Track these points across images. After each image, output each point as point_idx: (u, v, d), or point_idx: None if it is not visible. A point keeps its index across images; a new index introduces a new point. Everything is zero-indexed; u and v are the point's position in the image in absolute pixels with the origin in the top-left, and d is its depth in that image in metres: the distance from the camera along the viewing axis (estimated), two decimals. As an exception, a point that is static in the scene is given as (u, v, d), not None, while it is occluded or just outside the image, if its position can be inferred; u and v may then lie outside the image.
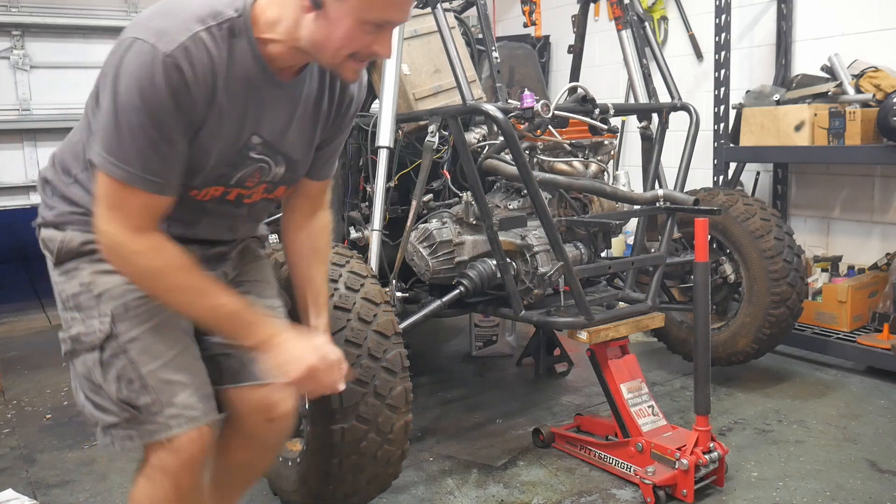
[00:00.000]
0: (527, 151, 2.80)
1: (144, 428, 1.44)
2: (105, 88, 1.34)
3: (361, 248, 2.82)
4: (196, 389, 1.48)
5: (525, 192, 2.78)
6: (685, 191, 3.04)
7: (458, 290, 2.70)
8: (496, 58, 2.69)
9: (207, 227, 1.60)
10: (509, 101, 2.63)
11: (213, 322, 1.49)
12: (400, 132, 2.84)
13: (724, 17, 4.01)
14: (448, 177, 2.88)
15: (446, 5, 3.12)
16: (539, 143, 2.86)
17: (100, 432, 1.49)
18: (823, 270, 3.91)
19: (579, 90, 2.77)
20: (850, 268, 3.89)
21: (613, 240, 3.26)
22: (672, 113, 3.13)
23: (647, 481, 2.39)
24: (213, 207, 1.56)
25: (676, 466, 2.38)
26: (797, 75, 3.94)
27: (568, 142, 2.90)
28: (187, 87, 1.31)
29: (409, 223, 2.64)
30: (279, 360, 1.48)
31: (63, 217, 1.52)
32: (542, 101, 2.50)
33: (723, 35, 4.03)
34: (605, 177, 3.04)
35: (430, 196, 2.88)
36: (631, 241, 3.42)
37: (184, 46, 1.29)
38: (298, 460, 2.22)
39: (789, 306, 3.17)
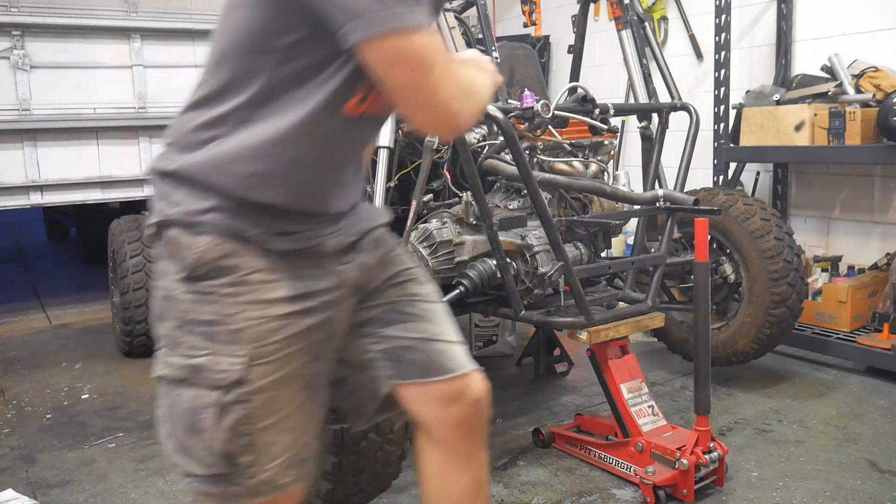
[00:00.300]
0: (527, 151, 2.80)
1: (229, 490, 1.29)
2: None
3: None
4: (295, 454, 1.33)
5: (525, 192, 2.78)
6: (685, 191, 3.04)
7: (458, 290, 2.70)
8: (496, 58, 2.69)
9: (326, 177, 1.34)
10: (509, 101, 2.63)
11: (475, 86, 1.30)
12: (400, 132, 2.84)
13: (724, 17, 4.01)
14: (448, 177, 2.88)
15: (446, 5, 3.12)
16: (539, 143, 2.86)
17: (181, 474, 1.33)
18: (823, 270, 3.91)
19: (579, 90, 2.77)
20: (850, 268, 3.89)
21: (613, 240, 3.26)
22: (672, 113, 3.13)
23: (647, 481, 2.39)
24: (343, 135, 1.31)
25: (676, 466, 2.38)
26: (797, 75, 3.94)
27: (568, 142, 2.90)
28: None
29: (409, 223, 2.64)
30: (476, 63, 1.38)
31: (196, 216, 1.25)
32: (542, 101, 2.50)
33: (723, 35, 4.03)
34: (605, 177, 3.03)
35: (430, 196, 2.88)
36: (631, 241, 3.42)
37: None
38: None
39: (789, 306, 3.17)
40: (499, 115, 2.41)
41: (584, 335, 2.57)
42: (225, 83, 1.25)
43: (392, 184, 2.78)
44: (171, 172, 1.28)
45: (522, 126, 2.58)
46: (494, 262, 2.67)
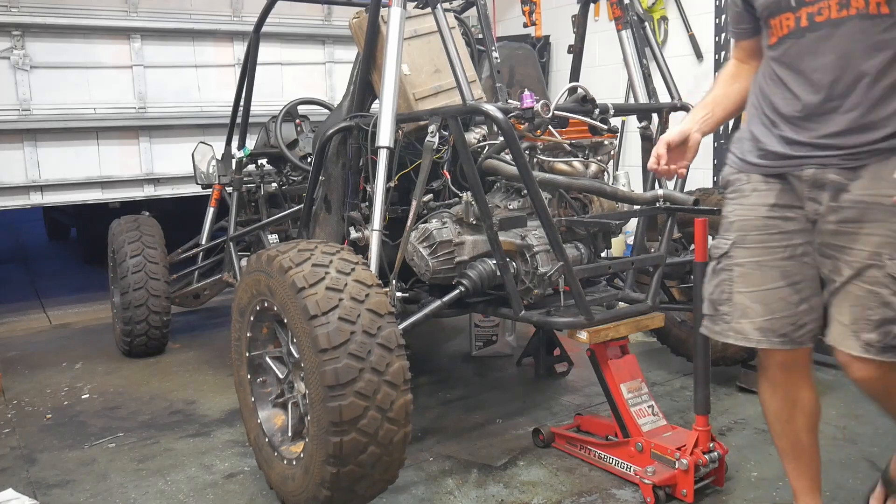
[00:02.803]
0: (527, 151, 2.80)
1: (714, 327, 1.97)
2: None
3: (361, 248, 2.82)
4: (761, 322, 1.88)
5: (525, 192, 2.78)
6: (685, 191, 3.04)
7: (458, 290, 2.70)
8: (496, 58, 2.69)
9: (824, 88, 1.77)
10: (509, 101, 2.63)
11: None
12: (400, 132, 2.84)
13: (724, 17, 4.01)
14: (448, 177, 2.88)
15: (446, 5, 3.12)
16: (539, 144, 2.85)
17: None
18: (823, 270, 3.91)
19: (579, 90, 2.77)
20: (850, 268, 3.88)
21: (613, 240, 3.25)
22: (672, 113, 3.13)
23: (647, 481, 2.39)
24: (810, 47, 1.77)
25: (676, 466, 2.38)
26: (797, 75, 3.93)
27: (568, 142, 2.90)
28: None
29: (409, 223, 2.64)
30: None
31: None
32: (542, 102, 2.50)
33: (723, 35, 4.03)
34: (605, 177, 3.03)
35: (430, 196, 2.88)
36: (631, 241, 3.42)
37: None
38: (295, 463, 2.22)
39: None
40: (499, 115, 2.41)
41: (584, 335, 2.57)
42: None
43: (392, 184, 2.78)
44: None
45: (522, 126, 2.58)
46: (494, 262, 2.67)
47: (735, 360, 3.32)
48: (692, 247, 3.15)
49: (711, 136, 4.13)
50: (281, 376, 2.42)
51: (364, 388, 1.96)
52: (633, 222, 3.20)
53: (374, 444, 2.00)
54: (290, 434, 2.37)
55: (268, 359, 2.46)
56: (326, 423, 1.97)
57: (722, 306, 1.93)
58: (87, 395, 3.56)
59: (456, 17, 3.21)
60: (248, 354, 2.47)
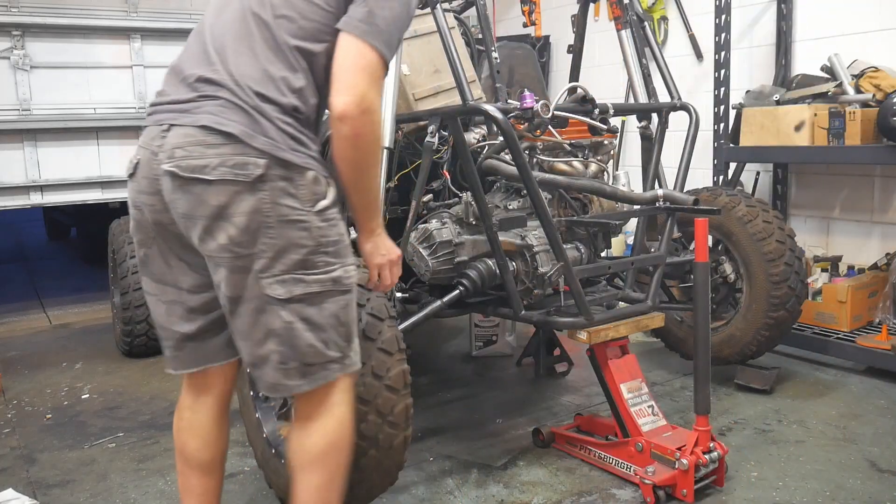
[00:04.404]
0: (526, 151, 2.80)
1: (346, 362, 1.74)
2: None
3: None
4: None
5: (525, 192, 2.78)
6: (685, 190, 3.04)
7: (458, 291, 2.70)
8: (496, 58, 2.69)
9: None
10: (509, 101, 2.63)
11: (366, 200, 1.78)
12: (400, 132, 2.84)
13: (724, 17, 4.01)
14: (448, 177, 2.88)
15: (446, 5, 3.12)
16: (539, 144, 2.86)
17: (307, 372, 1.68)
18: (823, 270, 3.91)
19: (579, 90, 2.77)
20: (850, 268, 3.89)
21: (613, 240, 3.26)
22: (672, 113, 3.13)
23: (647, 481, 2.39)
24: None
25: (676, 466, 2.38)
26: (797, 75, 3.94)
27: (568, 142, 2.90)
28: None
29: (408, 223, 2.64)
30: (377, 247, 1.86)
31: (311, 162, 1.66)
32: (541, 102, 2.50)
33: (723, 35, 4.03)
34: (605, 177, 3.04)
35: (429, 196, 2.88)
36: (631, 241, 3.42)
37: None
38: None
39: (789, 309, 3.18)
40: (498, 115, 2.41)
41: (584, 335, 2.57)
42: None
43: (392, 184, 2.78)
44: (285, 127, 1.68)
45: (522, 126, 2.58)
46: (494, 262, 2.67)
47: (729, 360, 3.32)
48: (692, 246, 3.15)
49: (711, 135, 4.13)
50: None
51: (364, 392, 1.96)
52: (633, 222, 3.20)
53: (374, 448, 2.00)
54: None
55: None
56: None
57: (353, 335, 1.80)
58: (87, 395, 3.56)
59: (455, 17, 3.21)
60: (248, 370, 2.46)
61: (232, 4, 1.74)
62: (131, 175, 1.74)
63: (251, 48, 1.66)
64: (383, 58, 1.65)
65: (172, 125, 1.65)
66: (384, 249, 1.88)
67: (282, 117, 1.63)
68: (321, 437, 1.73)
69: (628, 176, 3.02)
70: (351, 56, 1.63)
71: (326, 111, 1.71)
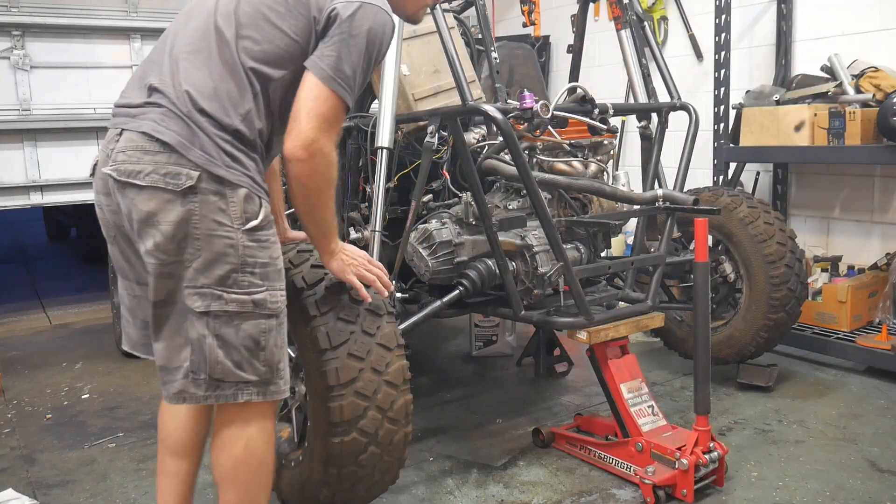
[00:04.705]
0: (526, 152, 2.80)
1: (270, 388, 1.74)
2: (351, 27, 1.68)
3: (361, 248, 2.82)
4: None
5: (524, 192, 2.78)
6: (685, 190, 3.04)
7: (457, 291, 2.70)
8: (495, 58, 2.69)
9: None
10: (508, 101, 2.63)
11: (328, 224, 1.84)
12: (399, 133, 2.84)
13: (724, 17, 4.01)
14: (447, 177, 2.88)
15: (445, 5, 3.12)
16: (538, 144, 2.86)
17: (216, 387, 1.70)
18: (823, 270, 3.91)
19: (578, 90, 2.77)
20: (850, 268, 3.89)
21: (613, 240, 3.26)
22: (672, 112, 3.13)
23: (647, 481, 2.39)
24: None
25: (676, 466, 2.38)
26: (797, 75, 3.94)
27: (567, 142, 2.90)
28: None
29: (408, 224, 2.64)
30: (342, 261, 1.90)
31: (245, 180, 1.69)
32: (541, 102, 2.50)
33: (723, 35, 4.03)
34: (605, 177, 3.03)
35: (429, 196, 2.88)
36: (631, 241, 3.42)
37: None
38: (293, 463, 2.22)
39: (788, 311, 3.18)
40: (498, 115, 2.41)
41: (583, 335, 2.57)
42: None
43: (392, 184, 2.78)
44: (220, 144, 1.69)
45: (522, 126, 2.58)
46: (494, 262, 2.67)
47: (728, 360, 3.32)
48: (692, 246, 3.15)
49: (711, 135, 4.13)
50: None
51: (364, 388, 1.96)
52: (633, 222, 3.20)
53: (374, 444, 2.00)
54: (296, 440, 2.36)
55: None
56: (327, 435, 1.97)
57: (281, 363, 1.77)
58: (87, 395, 3.56)
59: (455, 17, 3.21)
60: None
61: (200, 15, 1.76)
62: (92, 175, 1.81)
63: (207, 63, 1.69)
64: (344, 103, 1.71)
65: (123, 129, 1.71)
66: (349, 259, 1.91)
67: (221, 134, 1.66)
68: (228, 458, 1.77)
69: (628, 176, 3.02)
70: (312, 99, 1.67)
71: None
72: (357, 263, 1.93)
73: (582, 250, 2.85)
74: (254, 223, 1.68)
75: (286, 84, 1.72)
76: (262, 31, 1.70)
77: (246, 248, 1.67)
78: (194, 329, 1.66)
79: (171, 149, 1.63)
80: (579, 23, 3.42)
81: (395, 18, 1.81)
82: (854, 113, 3.41)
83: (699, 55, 4.74)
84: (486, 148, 2.77)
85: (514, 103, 2.57)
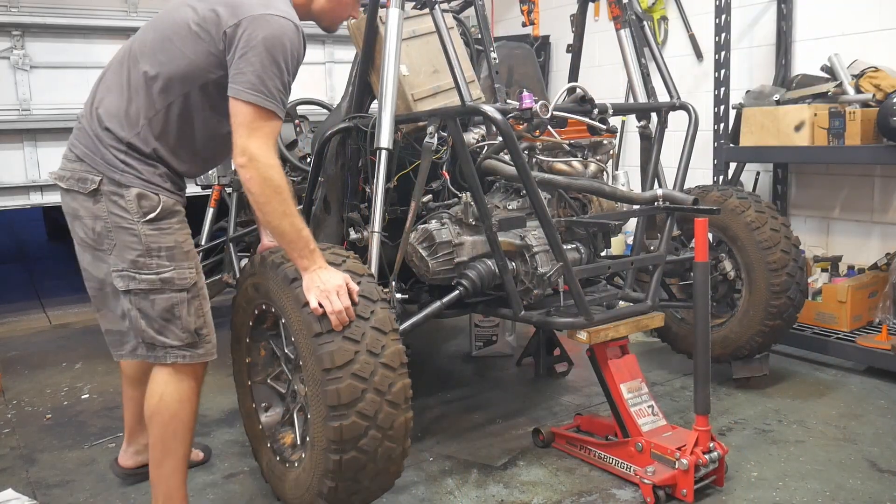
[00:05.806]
0: (526, 152, 2.80)
1: (197, 351, 2.12)
2: (247, 42, 1.90)
3: (361, 249, 2.82)
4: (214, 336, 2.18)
5: (524, 192, 2.78)
6: (688, 190, 3.03)
7: (457, 291, 2.69)
8: (494, 58, 2.69)
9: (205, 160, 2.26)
10: (508, 101, 2.63)
11: (288, 237, 1.97)
12: (399, 133, 2.84)
13: (724, 17, 4.01)
14: (447, 177, 2.88)
15: (444, 6, 3.11)
16: (538, 144, 2.85)
17: (151, 349, 2.10)
18: (823, 270, 3.91)
19: (578, 90, 2.76)
20: (850, 268, 3.89)
21: (613, 239, 3.26)
22: (671, 112, 3.12)
23: (647, 481, 2.39)
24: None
25: (676, 466, 2.39)
26: (797, 75, 3.94)
27: (567, 142, 2.90)
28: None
29: (408, 224, 2.64)
30: (311, 281, 1.98)
31: (136, 182, 2.02)
32: (540, 102, 2.50)
33: (723, 35, 4.03)
34: (605, 177, 3.03)
35: (429, 197, 2.87)
36: (631, 240, 3.42)
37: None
38: (297, 463, 2.22)
39: (785, 318, 3.18)
40: (497, 115, 2.41)
41: (583, 335, 2.57)
42: None
43: (391, 185, 2.78)
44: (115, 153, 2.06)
45: (521, 126, 2.58)
46: (494, 262, 2.67)
47: (720, 359, 3.31)
48: (692, 244, 3.15)
49: (711, 135, 4.13)
50: (283, 390, 2.40)
51: (360, 370, 1.96)
52: (633, 222, 3.20)
53: (374, 429, 2.00)
54: (299, 443, 2.36)
55: (269, 381, 2.45)
56: (326, 419, 1.97)
57: (202, 329, 2.12)
58: (87, 395, 3.56)
59: (454, 18, 3.20)
60: (249, 383, 2.46)
61: (128, 43, 2.11)
62: None
63: (119, 87, 2.04)
64: (258, 106, 1.91)
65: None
66: (318, 282, 1.98)
67: (117, 146, 2.02)
68: (147, 407, 2.15)
69: (628, 176, 3.01)
70: (234, 115, 1.94)
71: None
72: (326, 289, 1.96)
73: (582, 250, 2.85)
74: (152, 215, 2.02)
75: (196, 100, 2.02)
76: (168, 53, 1.99)
77: (148, 235, 2.01)
78: (122, 305, 2.08)
79: (80, 159, 2.05)
80: (579, 23, 3.42)
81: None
82: (854, 113, 3.41)
83: (699, 55, 4.74)
84: (486, 148, 2.76)
85: (513, 103, 2.57)
